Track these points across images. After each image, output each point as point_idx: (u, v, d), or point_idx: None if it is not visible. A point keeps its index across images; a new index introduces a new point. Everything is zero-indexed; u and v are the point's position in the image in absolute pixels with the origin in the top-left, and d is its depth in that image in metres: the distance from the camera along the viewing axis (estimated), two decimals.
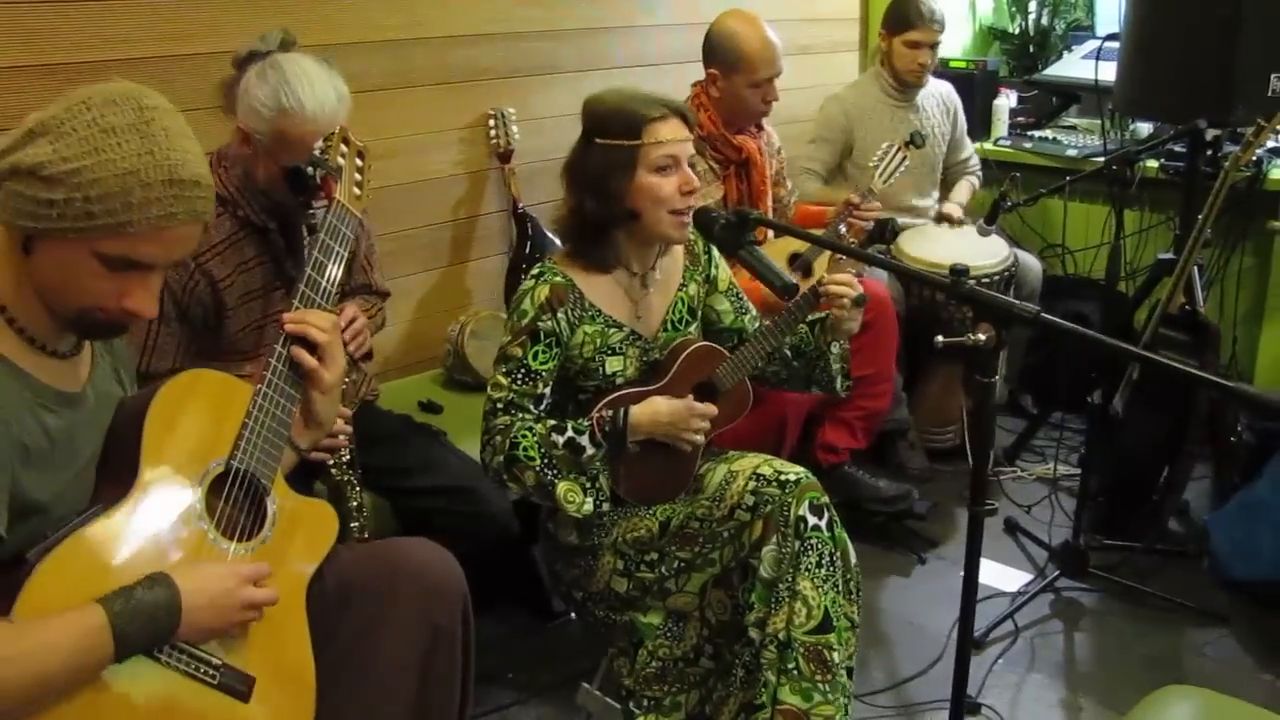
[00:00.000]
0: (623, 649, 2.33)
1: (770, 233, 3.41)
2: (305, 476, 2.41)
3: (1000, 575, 3.22)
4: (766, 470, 2.21)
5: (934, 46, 3.81)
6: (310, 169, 1.99)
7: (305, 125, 2.20)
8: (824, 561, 2.11)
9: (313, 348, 1.76)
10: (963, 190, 4.11)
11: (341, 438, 2.34)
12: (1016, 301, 1.59)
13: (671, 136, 2.18)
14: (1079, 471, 3.37)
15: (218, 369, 2.26)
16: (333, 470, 2.41)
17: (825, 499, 2.17)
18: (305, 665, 1.67)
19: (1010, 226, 4.38)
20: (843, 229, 2.52)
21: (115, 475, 1.58)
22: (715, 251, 2.47)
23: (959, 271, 1.65)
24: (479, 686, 2.67)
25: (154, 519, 1.54)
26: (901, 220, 3.72)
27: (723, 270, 2.49)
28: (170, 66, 2.72)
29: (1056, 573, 3.12)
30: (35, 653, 1.33)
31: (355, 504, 2.46)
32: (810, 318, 2.38)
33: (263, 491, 1.68)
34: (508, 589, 3.00)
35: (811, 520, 2.12)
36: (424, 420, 2.85)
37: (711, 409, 2.28)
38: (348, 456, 2.43)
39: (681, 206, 2.21)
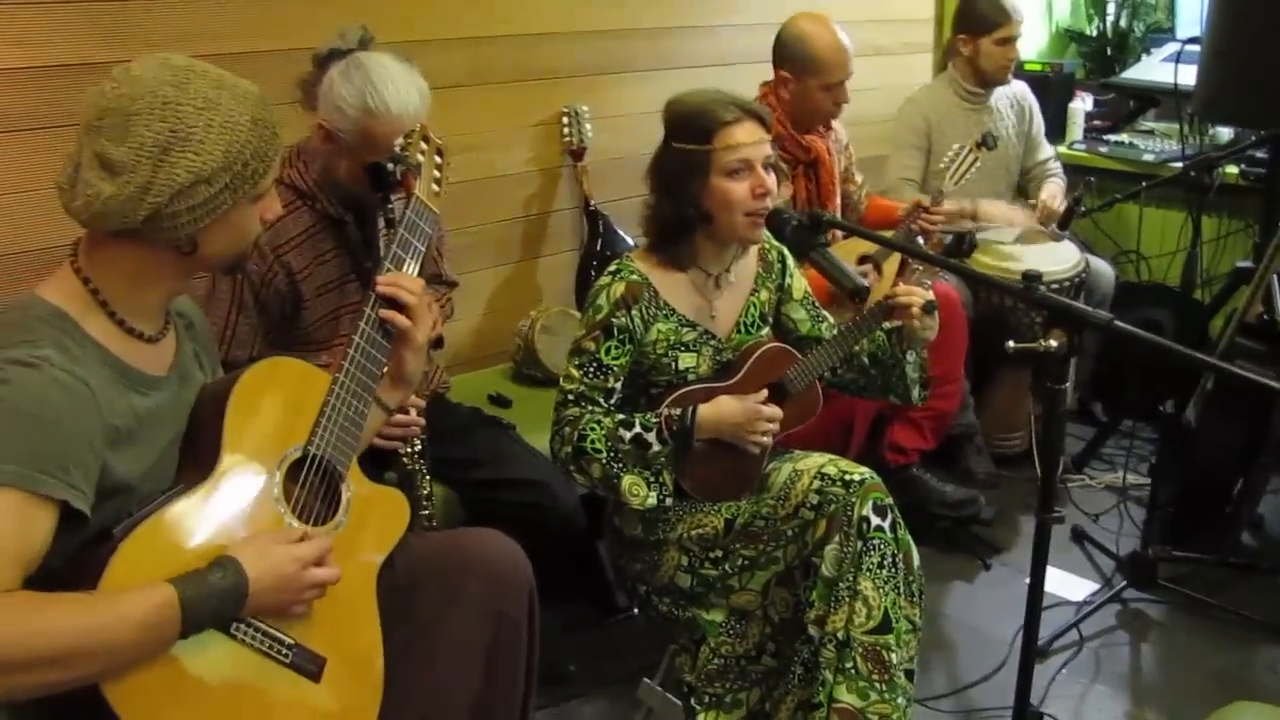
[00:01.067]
0: (685, 645, 2.36)
1: (839, 236, 3.42)
2: (377, 465, 2.46)
3: (1066, 584, 3.19)
4: (831, 470, 2.22)
5: (1017, 41, 3.78)
6: (391, 165, 2.03)
7: (390, 124, 2.24)
8: (885, 562, 2.12)
9: (402, 309, 1.82)
10: (1052, 191, 4.00)
11: (414, 427, 2.40)
12: (1089, 308, 1.58)
13: (745, 140, 2.20)
14: (1149, 481, 3.33)
15: (297, 358, 2.35)
16: (404, 459, 2.46)
17: (889, 500, 2.17)
18: (374, 649, 1.71)
19: (1084, 231, 4.33)
20: (921, 241, 2.51)
21: (197, 457, 1.63)
22: (789, 260, 2.49)
23: (1032, 277, 1.65)
24: (541, 678, 2.74)
25: (233, 501, 1.59)
26: (976, 227, 3.74)
27: (797, 280, 2.50)
28: (254, 61, 2.77)
29: (1124, 583, 3.09)
30: (110, 625, 1.38)
31: (425, 492, 2.50)
32: (887, 326, 2.37)
33: (338, 478, 1.73)
34: (573, 583, 3.03)
35: (875, 521, 2.13)
36: (494, 413, 2.89)
37: (779, 411, 2.30)
38: (419, 446, 2.48)
39: (755, 209, 2.22)
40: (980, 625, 3.00)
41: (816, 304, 2.53)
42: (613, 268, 2.32)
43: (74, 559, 1.46)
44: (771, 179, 2.24)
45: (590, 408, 2.25)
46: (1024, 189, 4.14)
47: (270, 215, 1.68)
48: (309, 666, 1.61)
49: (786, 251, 2.48)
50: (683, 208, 2.24)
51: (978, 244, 2.58)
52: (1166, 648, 2.94)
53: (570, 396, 2.27)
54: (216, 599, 1.47)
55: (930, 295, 2.29)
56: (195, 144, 1.49)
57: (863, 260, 3.27)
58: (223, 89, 1.54)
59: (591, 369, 2.25)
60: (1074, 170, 4.22)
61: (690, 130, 2.23)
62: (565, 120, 3.51)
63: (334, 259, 2.45)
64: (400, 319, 1.82)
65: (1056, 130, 4.43)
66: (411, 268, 1.89)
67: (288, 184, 2.39)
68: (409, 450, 2.46)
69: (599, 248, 3.53)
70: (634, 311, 2.24)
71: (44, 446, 1.41)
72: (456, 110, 3.26)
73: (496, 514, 2.61)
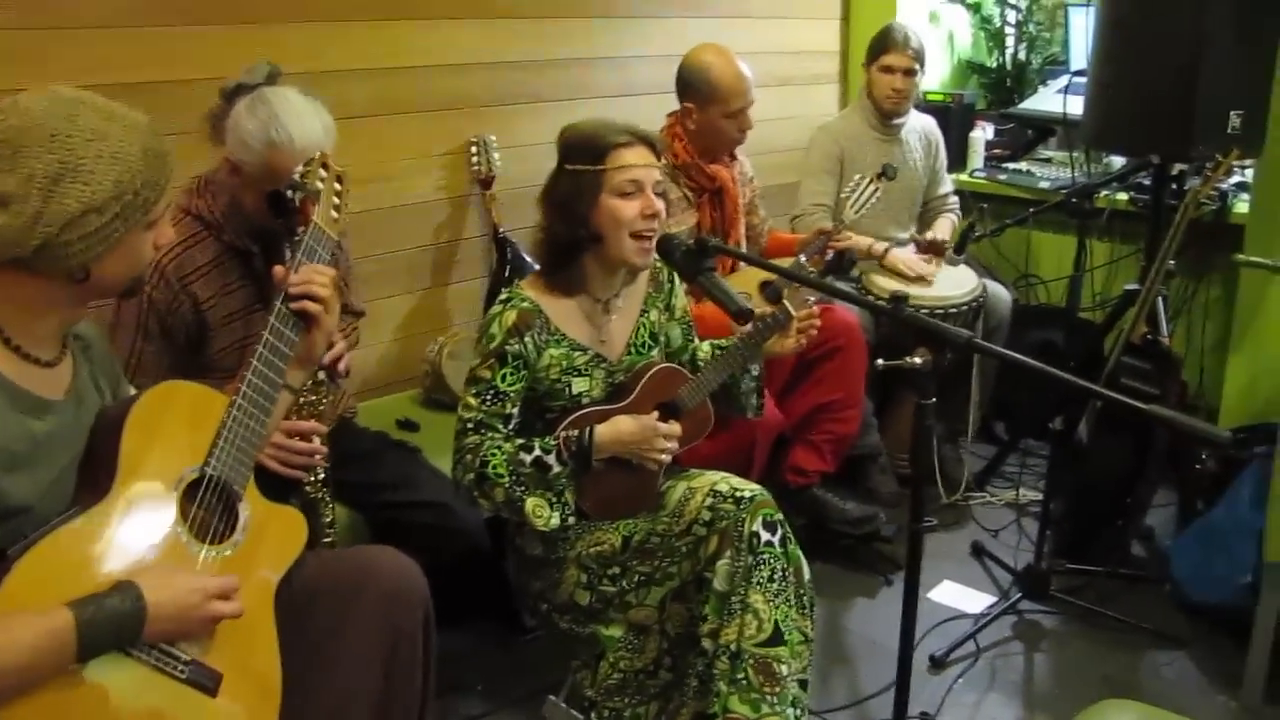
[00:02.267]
0: (586, 661, 2.41)
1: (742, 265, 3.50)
2: (281, 492, 2.48)
3: (964, 597, 3.28)
4: (723, 487, 2.28)
5: (909, 73, 3.86)
6: (289, 192, 2.06)
7: (294, 158, 2.26)
8: (776, 576, 2.19)
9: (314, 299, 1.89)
10: (943, 227, 4.13)
11: (317, 456, 2.43)
12: (950, 327, 1.67)
13: (636, 161, 2.28)
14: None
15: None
16: (307, 488, 2.48)
17: (779, 516, 2.25)
18: (272, 664, 1.73)
19: (985, 256, 4.48)
20: (803, 258, 2.61)
21: (94, 479, 1.65)
22: (678, 281, 2.56)
23: (898, 298, 1.73)
24: (449, 697, 2.77)
25: (129, 521, 1.61)
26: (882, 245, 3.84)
27: (680, 300, 2.59)
28: (161, 91, 2.80)
29: (1019, 595, 3.19)
30: (2, 649, 1.39)
31: (328, 520, 2.53)
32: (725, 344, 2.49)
33: (235, 498, 1.76)
34: (479, 603, 3.05)
35: (764, 536, 2.19)
36: (400, 437, 2.92)
37: (677, 428, 2.36)
38: (322, 475, 2.50)
39: (643, 229, 2.29)
40: (880, 639, 3.08)
41: (692, 325, 2.63)
42: (504, 296, 2.37)
43: None
44: (660, 203, 2.32)
45: (490, 434, 2.30)
46: (921, 221, 4.26)
47: (164, 240, 1.71)
48: (205, 682, 1.63)
49: (671, 272, 2.56)
50: (574, 228, 2.31)
51: (856, 260, 2.68)
52: (1059, 656, 3.03)
53: (470, 425, 2.31)
54: (115, 623, 1.49)
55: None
56: (85, 174, 1.52)
57: (764, 286, 3.35)
58: (113, 120, 1.58)
59: (489, 396, 2.30)
60: (974, 197, 4.38)
61: (583, 152, 2.30)
62: (473, 149, 3.56)
63: (240, 289, 2.47)
64: (314, 306, 1.88)
65: (958, 159, 4.57)
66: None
67: (195, 215, 2.42)
68: (312, 479, 2.48)
69: (507, 274, 3.58)
70: (527, 338, 2.29)
71: None
72: (365, 139, 3.30)
73: (402, 535, 2.62)
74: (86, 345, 1.81)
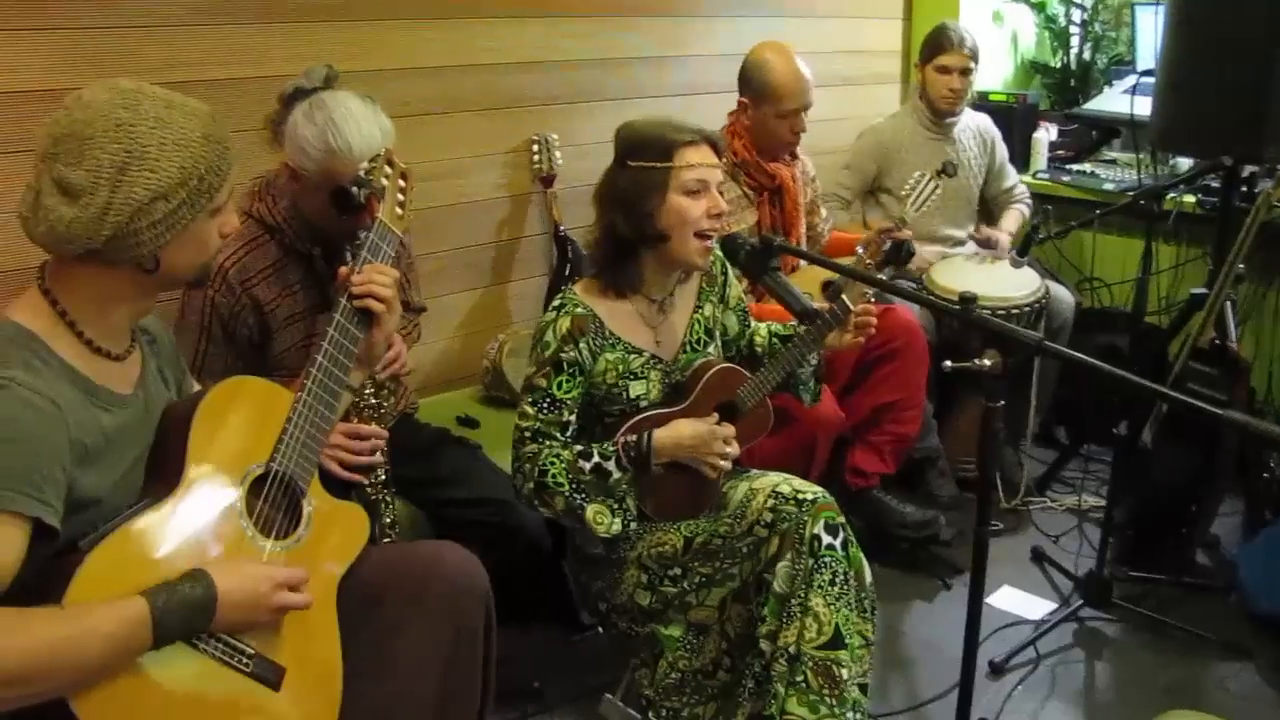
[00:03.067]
0: (644, 660, 2.40)
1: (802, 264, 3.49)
2: (341, 494, 2.50)
3: (1025, 603, 3.24)
4: (785, 488, 2.27)
5: (965, 73, 3.85)
6: (355, 189, 2.08)
7: (353, 164, 2.27)
8: (837, 579, 2.17)
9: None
10: (1011, 218, 4.13)
11: (377, 457, 2.45)
12: (1020, 329, 1.64)
13: (701, 161, 2.28)
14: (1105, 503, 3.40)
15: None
16: (367, 489, 2.50)
17: (841, 519, 2.23)
18: (333, 659, 1.76)
19: (1048, 259, 4.42)
20: (860, 250, 2.58)
21: (162, 472, 1.68)
22: (730, 271, 2.56)
23: (967, 299, 1.71)
24: (505, 695, 2.75)
25: (196, 515, 1.64)
26: (936, 250, 3.81)
27: (734, 289, 2.59)
28: (227, 89, 2.85)
29: (1080, 602, 3.15)
30: (82, 638, 1.42)
31: (389, 520, 2.54)
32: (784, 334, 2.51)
33: (299, 493, 1.78)
34: (538, 601, 3.06)
35: (826, 539, 2.18)
36: (461, 434, 2.93)
37: (733, 431, 2.36)
38: (383, 476, 2.52)
39: (708, 228, 2.29)
40: (939, 643, 3.05)
41: (747, 311, 2.62)
42: (557, 302, 2.37)
43: (41, 572, 1.50)
44: (725, 203, 2.32)
45: (548, 442, 2.30)
46: (991, 214, 4.23)
47: (228, 229, 1.73)
48: (269, 676, 1.66)
49: (727, 261, 2.55)
50: (638, 226, 2.30)
51: (915, 251, 2.66)
52: (1120, 665, 2.99)
53: (527, 434, 2.32)
54: (187, 610, 1.52)
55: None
56: (151, 162, 1.55)
57: (826, 286, 3.34)
58: (173, 108, 1.60)
59: (545, 404, 2.30)
60: (1037, 198, 4.31)
61: (649, 150, 2.29)
62: (535, 147, 3.57)
63: (301, 291, 2.49)
64: (377, 305, 1.90)
65: (1021, 160, 4.52)
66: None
67: (256, 218, 2.44)
68: (372, 481, 2.50)
69: (568, 272, 3.59)
70: (581, 344, 2.29)
71: (15, 465, 1.45)
72: (427, 137, 3.33)
73: (462, 532, 2.64)
74: (153, 340, 1.84)
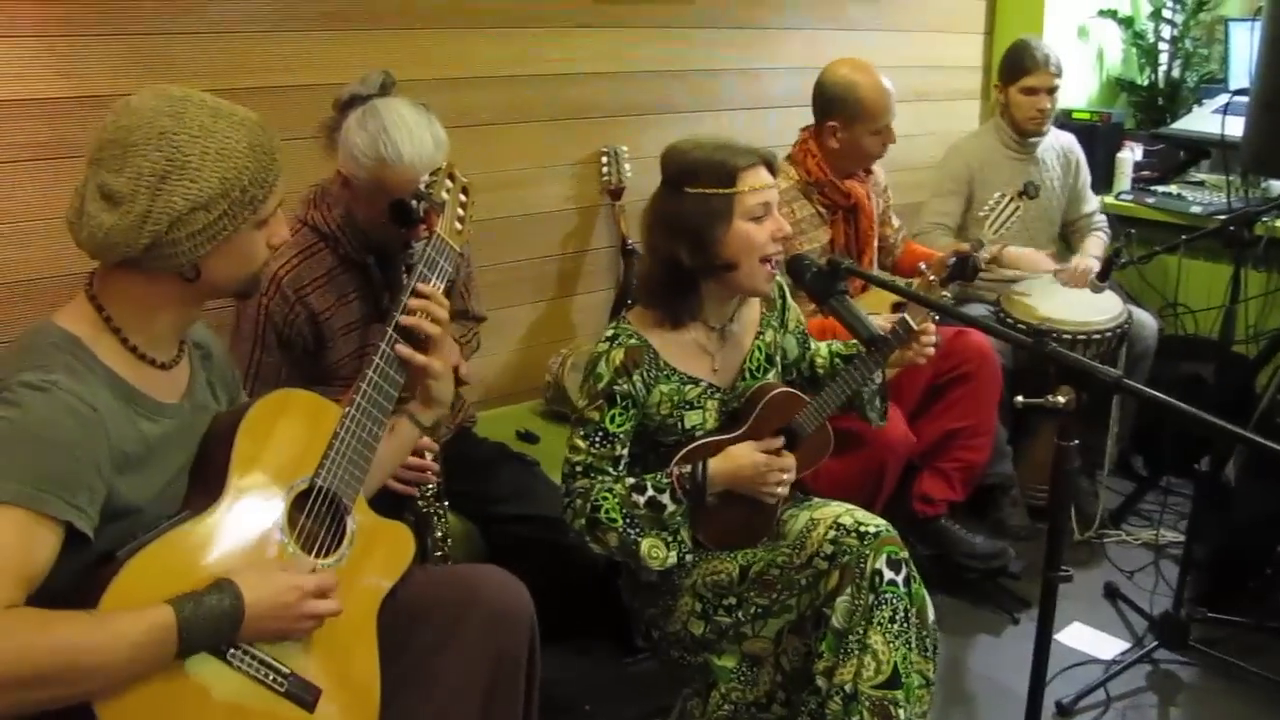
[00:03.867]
0: (696, 690, 2.34)
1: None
2: (394, 508, 2.48)
3: (1096, 642, 3.12)
4: (847, 520, 2.19)
5: (1051, 92, 3.75)
6: (414, 202, 2.05)
7: (404, 173, 2.25)
8: (897, 617, 2.09)
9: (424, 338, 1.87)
10: (1095, 245, 3.98)
11: (429, 472, 2.41)
12: (1097, 365, 1.56)
13: (763, 184, 2.20)
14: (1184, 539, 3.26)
15: (320, 394, 2.37)
16: (419, 503, 2.47)
17: (904, 554, 2.14)
18: (371, 681, 1.72)
19: (1130, 283, 4.27)
20: (923, 267, 2.49)
21: (205, 484, 1.66)
22: (788, 295, 2.49)
23: (1040, 332, 1.63)
24: (554, 716, 2.73)
25: (237, 528, 1.61)
26: (1016, 274, 3.70)
27: (793, 311, 2.52)
28: (290, 96, 2.85)
29: (1155, 643, 3.02)
30: (106, 644, 1.40)
31: (440, 534, 2.52)
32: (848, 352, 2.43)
33: (344, 510, 1.74)
34: (592, 621, 3.02)
35: (888, 575, 2.10)
36: (519, 449, 2.90)
37: (792, 461, 2.29)
38: (433, 489, 2.48)
39: (773, 253, 2.22)
40: (1004, 681, 2.95)
41: (807, 334, 2.54)
42: (609, 333, 2.28)
43: (77, 580, 1.48)
44: (787, 224, 2.25)
45: (600, 478, 2.24)
46: (1067, 241, 4.10)
47: (278, 241, 1.71)
48: (304, 696, 1.62)
49: (783, 283, 2.48)
50: (705, 256, 2.20)
51: (980, 266, 2.57)
52: (1196, 712, 2.86)
53: (579, 468, 2.25)
54: (213, 621, 1.49)
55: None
56: (192, 172, 1.52)
57: (896, 308, 3.24)
58: (219, 117, 1.58)
59: (598, 439, 2.23)
60: (1119, 221, 4.18)
61: (709, 175, 2.19)
62: (604, 160, 3.54)
63: (356, 300, 2.47)
64: (417, 357, 1.84)
65: (1103, 180, 4.39)
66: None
67: (311, 226, 2.43)
68: (424, 493, 2.47)
69: (634, 287, 3.54)
70: (635, 376, 2.22)
71: (50, 468, 1.44)
72: (494, 147, 3.31)
73: (516, 549, 2.62)
74: (206, 354, 1.83)
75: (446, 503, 2.53)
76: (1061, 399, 1.59)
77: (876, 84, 3.20)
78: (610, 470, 2.24)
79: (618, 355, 2.23)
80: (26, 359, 1.52)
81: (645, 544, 2.20)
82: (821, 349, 2.58)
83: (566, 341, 3.55)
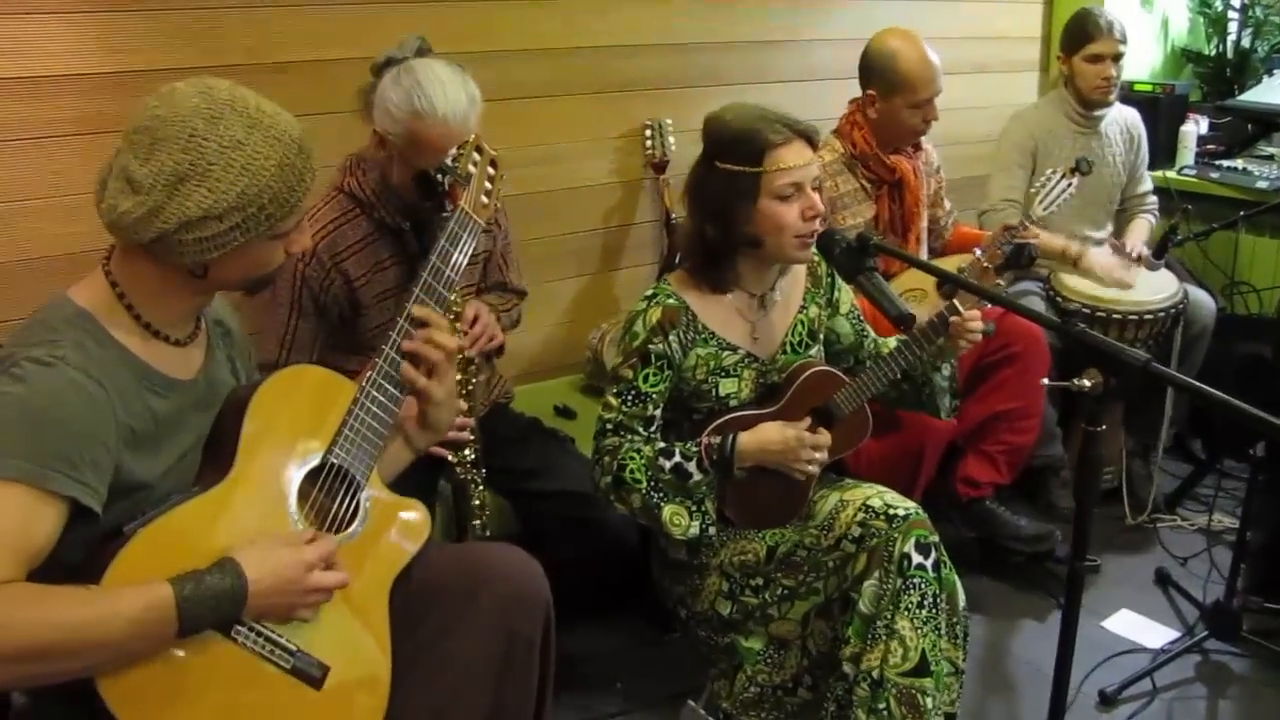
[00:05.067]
0: (723, 671, 2.32)
1: (923, 252, 3.33)
2: (432, 473, 2.48)
3: (1144, 630, 3.04)
4: (877, 502, 2.15)
5: (1117, 59, 3.62)
6: (439, 175, 2.03)
7: (437, 127, 2.25)
8: (926, 602, 2.04)
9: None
10: (1141, 229, 3.86)
11: (466, 433, 2.41)
12: (1125, 348, 1.50)
13: (794, 162, 2.14)
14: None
15: (356, 363, 2.38)
16: (457, 469, 2.47)
17: (934, 538, 2.10)
18: (382, 659, 1.70)
19: (1192, 260, 4.14)
20: (978, 252, 2.42)
21: (216, 461, 1.66)
22: (837, 276, 2.43)
23: (1069, 313, 1.57)
24: (588, 694, 2.73)
25: (244, 505, 1.61)
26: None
27: (845, 293, 2.45)
28: (333, 69, 2.83)
29: (1205, 633, 2.93)
30: (103, 618, 1.40)
31: (478, 503, 2.52)
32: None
33: (357, 487, 1.73)
34: (626, 598, 3.00)
35: (916, 559, 2.05)
36: (554, 425, 2.88)
37: (825, 438, 2.24)
38: (472, 456, 2.48)
39: (805, 232, 2.17)
40: (1047, 667, 2.81)
41: (862, 319, 2.47)
42: (649, 292, 2.27)
43: (86, 554, 1.49)
44: (820, 200, 2.19)
45: (630, 437, 2.22)
46: (1118, 219, 3.98)
47: (296, 249, 1.69)
48: (312, 673, 1.61)
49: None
50: (729, 233, 2.19)
51: (1036, 256, 2.48)
52: (1247, 705, 2.77)
53: (609, 426, 2.23)
54: (214, 600, 1.48)
55: (989, 324, 2.23)
56: (211, 181, 1.51)
57: (942, 284, 3.17)
58: (255, 129, 1.54)
59: (629, 397, 2.21)
60: (1180, 196, 4.04)
61: (738, 151, 2.16)
62: (648, 133, 3.49)
63: (392, 266, 2.47)
64: (419, 379, 1.80)
65: (1165, 154, 4.25)
66: (450, 276, 1.88)
67: (347, 192, 2.43)
68: (461, 459, 2.47)
69: (678, 261, 3.49)
70: (671, 337, 2.19)
71: (54, 444, 1.45)
72: (537, 120, 3.29)
73: (548, 525, 2.62)
74: (227, 331, 1.83)
75: (485, 470, 2.53)
76: (1087, 382, 1.53)
77: (919, 56, 3.11)
78: (640, 430, 2.22)
79: (654, 314, 2.21)
80: (38, 333, 1.53)
81: (668, 510, 2.18)
82: (890, 343, 2.51)
83: (610, 316, 3.53)
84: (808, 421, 2.23)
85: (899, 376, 2.32)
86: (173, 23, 2.63)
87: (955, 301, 2.28)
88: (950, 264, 3.17)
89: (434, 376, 1.81)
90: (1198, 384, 1.46)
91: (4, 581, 1.38)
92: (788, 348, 2.34)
